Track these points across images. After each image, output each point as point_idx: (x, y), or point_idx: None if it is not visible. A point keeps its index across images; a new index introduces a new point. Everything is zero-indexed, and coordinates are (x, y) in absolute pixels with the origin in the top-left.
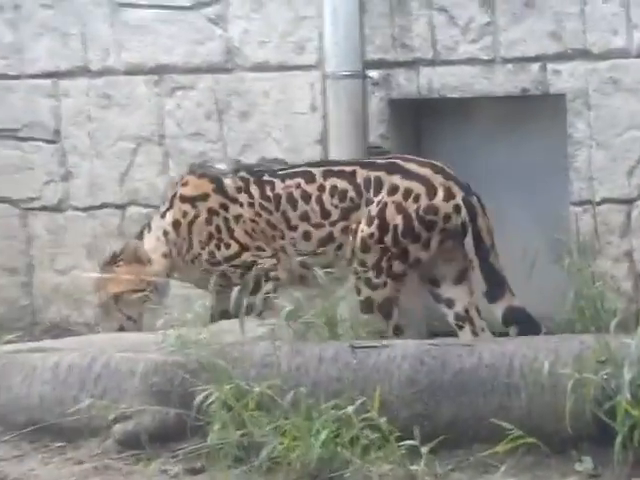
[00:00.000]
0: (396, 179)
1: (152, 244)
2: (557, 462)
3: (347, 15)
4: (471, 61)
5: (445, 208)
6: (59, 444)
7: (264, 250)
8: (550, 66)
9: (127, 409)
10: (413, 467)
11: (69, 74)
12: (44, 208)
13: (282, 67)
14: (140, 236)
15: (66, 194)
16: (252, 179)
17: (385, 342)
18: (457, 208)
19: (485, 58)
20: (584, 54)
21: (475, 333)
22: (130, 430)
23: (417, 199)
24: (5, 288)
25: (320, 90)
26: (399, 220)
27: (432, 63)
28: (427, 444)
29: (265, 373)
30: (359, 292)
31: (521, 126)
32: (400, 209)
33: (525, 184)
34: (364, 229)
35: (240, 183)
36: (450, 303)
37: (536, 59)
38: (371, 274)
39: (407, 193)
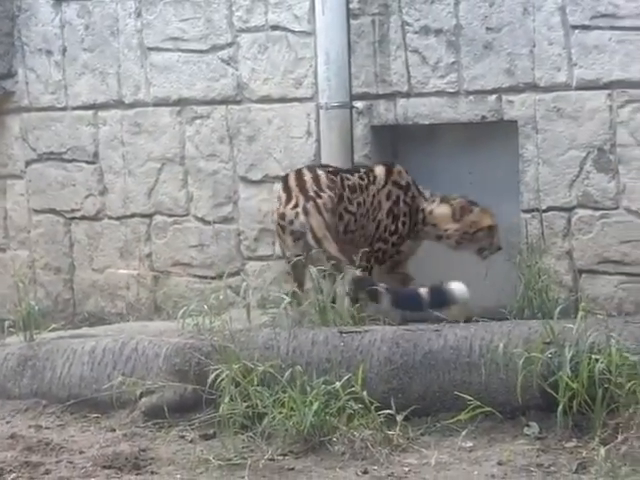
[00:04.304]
0: (279, 187)
1: None
2: (509, 427)
3: (337, 56)
4: (439, 93)
5: (290, 215)
6: (95, 415)
7: None
8: (504, 97)
9: (152, 385)
10: (390, 432)
11: (106, 106)
12: (84, 217)
13: (283, 99)
14: None
15: (103, 206)
16: None
17: (367, 328)
18: (297, 214)
19: (451, 91)
20: (533, 87)
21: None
22: (154, 403)
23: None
24: (51, 284)
25: (314, 118)
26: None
27: (407, 95)
28: (401, 413)
29: (267, 354)
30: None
31: (480, 147)
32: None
33: (483, 195)
34: None
35: None
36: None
37: (493, 91)
38: None
39: (278, 200)
